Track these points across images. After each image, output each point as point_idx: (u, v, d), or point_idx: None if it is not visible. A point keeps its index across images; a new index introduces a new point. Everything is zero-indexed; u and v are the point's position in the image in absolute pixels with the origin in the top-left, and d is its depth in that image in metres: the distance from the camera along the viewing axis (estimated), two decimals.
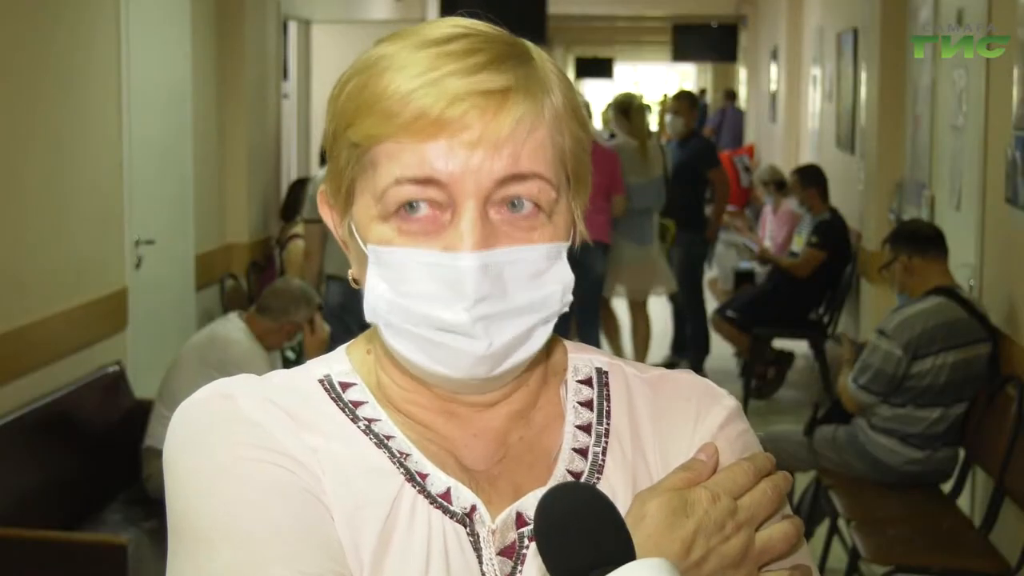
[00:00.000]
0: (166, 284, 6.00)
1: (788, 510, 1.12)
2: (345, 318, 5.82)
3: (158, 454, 4.50)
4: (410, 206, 1.06)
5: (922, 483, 4.68)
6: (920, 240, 4.76)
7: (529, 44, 1.13)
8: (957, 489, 4.70)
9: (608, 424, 1.19)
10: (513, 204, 1.07)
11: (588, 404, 1.20)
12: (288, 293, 4.92)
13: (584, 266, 6.73)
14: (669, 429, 1.19)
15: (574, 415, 1.19)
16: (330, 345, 5.18)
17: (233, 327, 4.80)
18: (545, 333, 1.11)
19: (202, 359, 4.67)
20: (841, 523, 4.73)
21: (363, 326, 1.23)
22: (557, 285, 1.10)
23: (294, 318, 4.88)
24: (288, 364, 5.96)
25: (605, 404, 1.20)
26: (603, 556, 0.93)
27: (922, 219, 4.93)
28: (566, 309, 1.12)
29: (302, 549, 1.03)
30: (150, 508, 4.57)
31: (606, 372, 1.23)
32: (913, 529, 4.42)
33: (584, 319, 7.54)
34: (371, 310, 1.10)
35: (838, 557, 4.78)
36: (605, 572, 0.92)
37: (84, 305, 4.94)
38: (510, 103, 1.06)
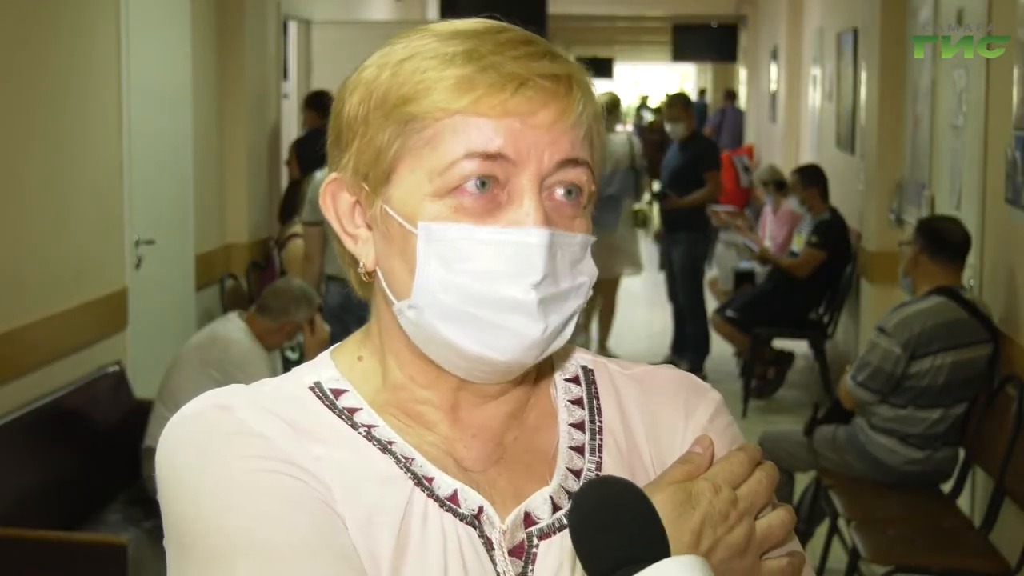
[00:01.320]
0: (166, 284, 6.00)
1: (775, 498, 1.13)
2: (345, 318, 5.82)
3: None
4: (481, 183, 1.06)
5: (922, 483, 4.68)
6: (938, 240, 4.71)
7: None
8: (957, 489, 4.70)
9: (600, 421, 1.20)
10: (569, 191, 1.09)
11: (579, 402, 1.21)
12: (288, 293, 4.92)
13: None
14: (660, 423, 1.20)
15: (567, 413, 1.20)
16: (330, 345, 5.17)
17: (233, 327, 4.80)
18: (573, 324, 1.13)
19: (202, 359, 4.67)
20: (841, 523, 4.73)
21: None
22: (587, 277, 1.12)
23: (294, 318, 4.88)
24: (289, 364, 5.97)
25: (595, 401, 1.21)
26: (638, 551, 0.94)
27: (958, 220, 4.86)
28: (584, 304, 1.14)
29: (322, 559, 1.02)
30: (150, 508, 4.57)
31: (592, 370, 1.24)
32: (913, 529, 4.42)
33: None
34: (421, 290, 1.08)
35: (838, 557, 4.78)
36: (640, 568, 0.93)
37: (84, 305, 4.94)
38: (575, 90, 1.09)
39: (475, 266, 1.07)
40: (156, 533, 4.81)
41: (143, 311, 5.56)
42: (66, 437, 4.54)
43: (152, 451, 4.58)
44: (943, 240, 4.72)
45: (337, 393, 1.15)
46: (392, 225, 1.10)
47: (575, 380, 1.22)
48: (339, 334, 5.42)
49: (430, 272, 1.07)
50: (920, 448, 4.62)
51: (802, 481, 5.26)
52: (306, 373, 1.17)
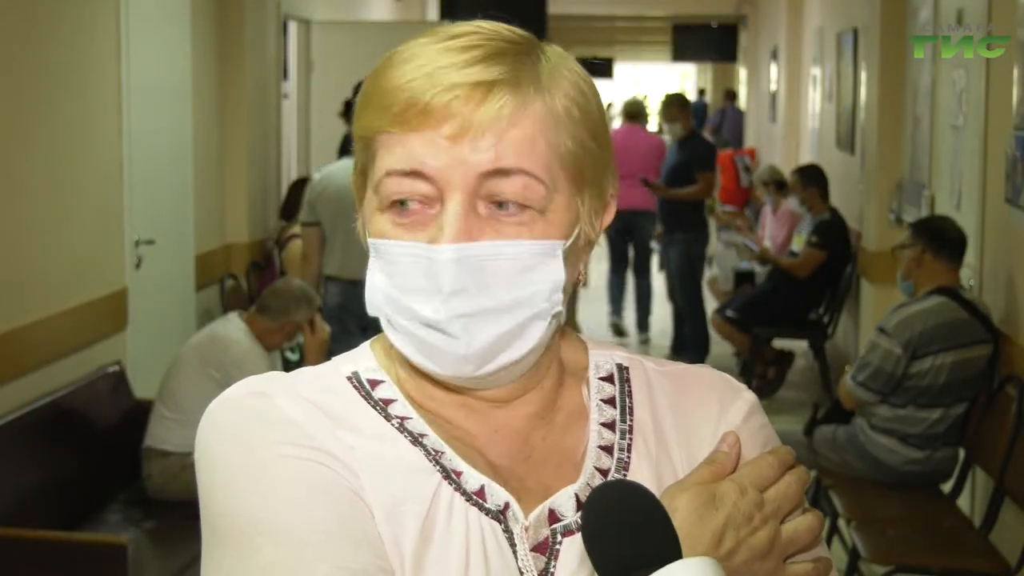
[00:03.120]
0: (166, 284, 5.99)
1: (807, 503, 1.14)
2: (343, 318, 5.81)
3: (158, 454, 4.50)
4: (401, 202, 1.08)
5: (922, 483, 4.68)
6: (939, 238, 4.72)
7: (546, 46, 1.14)
8: (957, 489, 4.70)
9: (631, 420, 1.20)
10: (499, 204, 1.07)
11: (611, 401, 1.21)
12: (288, 293, 4.92)
13: (636, 228, 9.37)
14: (691, 424, 1.20)
15: (598, 413, 1.20)
16: (329, 346, 5.18)
17: (233, 327, 4.80)
18: (540, 330, 1.10)
19: (202, 359, 4.67)
20: (841, 523, 4.73)
21: (362, 327, 1.24)
22: (546, 284, 1.09)
23: (294, 318, 4.87)
24: (288, 364, 5.96)
25: (627, 400, 1.21)
26: (650, 554, 0.95)
27: (951, 219, 4.89)
28: (559, 308, 1.11)
29: (346, 545, 1.04)
30: (150, 508, 4.57)
31: (627, 368, 1.24)
32: (913, 529, 4.42)
33: (640, 270, 9.78)
34: (370, 303, 1.11)
35: (838, 557, 4.78)
36: (652, 570, 0.93)
37: (84, 305, 4.94)
38: (493, 95, 1.06)
39: (402, 281, 1.09)
40: (156, 533, 4.81)
41: (143, 311, 5.56)
42: (66, 437, 4.54)
43: (152, 451, 4.62)
44: (944, 238, 4.73)
45: (374, 384, 1.17)
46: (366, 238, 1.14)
47: (609, 379, 1.22)
48: (338, 334, 5.42)
49: (378, 286, 1.11)
50: (920, 448, 4.62)
51: None
52: (345, 363, 1.19)
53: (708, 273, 9.98)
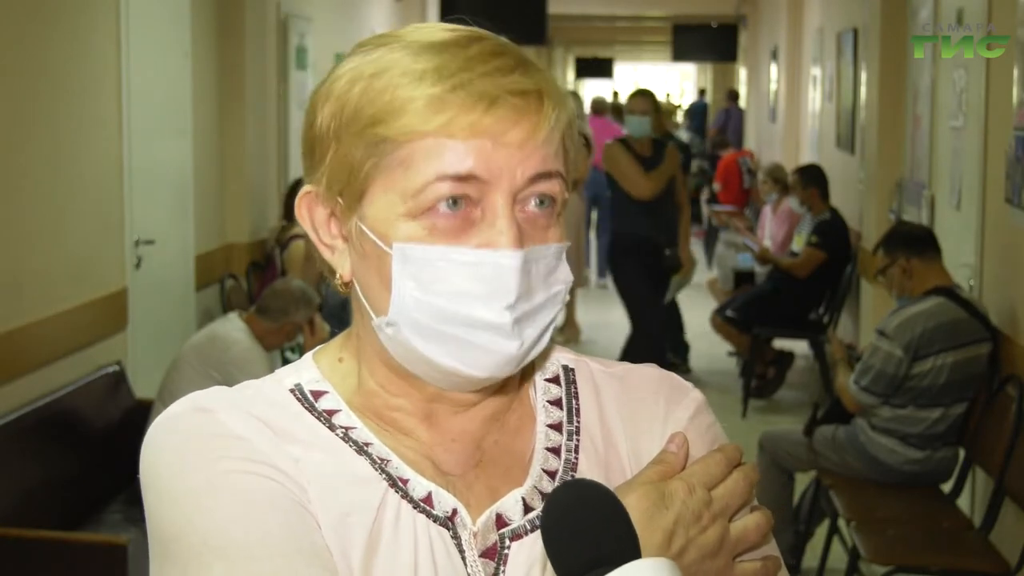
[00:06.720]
0: (166, 284, 6.00)
1: (755, 501, 1.14)
2: (345, 318, 5.82)
3: None
4: (452, 202, 1.06)
5: (922, 483, 4.68)
6: (916, 242, 4.75)
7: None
8: (957, 489, 4.70)
9: (578, 421, 1.20)
10: (542, 202, 1.09)
11: (557, 403, 1.21)
12: (288, 293, 4.92)
13: (601, 197, 10.74)
14: (639, 423, 1.20)
15: (545, 414, 1.20)
16: None
17: (233, 327, 4.80)
18: (550, 333, 1.13)
19: (202, 359, 4.67)
20: (841, 523, 4.73)
21: None
22: (563, 284, 1.12)
23: (294, 319, 4.88)
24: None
25: (574, 402, 1.21)
26: (608, 553, 0.94)
27: (910, 221, 4.90)
28: (562, 308, 1.14)
29: (296, 559, 1.03)
30: None
31: (572, 369, 1.24)
32: (913, 529, 4.42)
33: (602, 230, 11.51)
34: (397, 309, 1.09)
35: (838, 557, 4.78)
36: (609, 570, 0.93)
37: (84, 305, 4.94)
38: (545, 105, 1.09)
39: (449, 287, 1.07)
40: None
41: (143, 311, 5.56)
42: (66, 437, 4.54)
43: None
44: (919, 238, 4.77)
45: (317, 395, 1.16)
46: (367, 243, 1.10)
47: (555, 380, 1.23)
48: (338, 334, 5.43)
49: (405, 292, 1.08)
50: (920, 448, 4.62)
51: (802, 481, 5.26)
52: (288, 375, 1.18)
53: (708, 273, 9.98)
